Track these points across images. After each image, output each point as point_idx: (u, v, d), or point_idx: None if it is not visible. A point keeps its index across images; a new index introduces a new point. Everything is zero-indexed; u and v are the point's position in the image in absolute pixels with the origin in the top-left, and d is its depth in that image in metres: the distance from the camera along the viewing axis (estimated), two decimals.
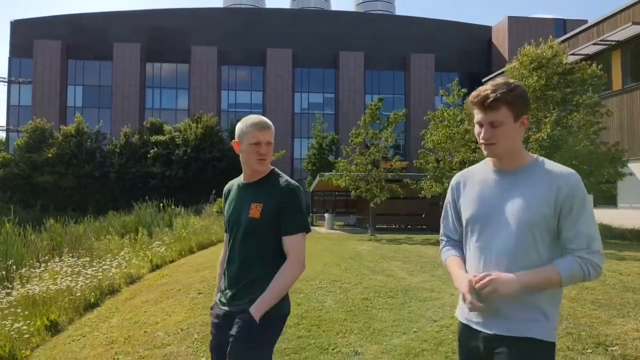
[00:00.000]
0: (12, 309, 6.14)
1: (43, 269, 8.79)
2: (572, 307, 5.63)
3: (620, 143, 15.70)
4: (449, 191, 2.17)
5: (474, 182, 2.04)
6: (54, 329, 6.06)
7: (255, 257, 2.36)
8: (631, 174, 16.56)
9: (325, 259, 10.36)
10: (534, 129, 13.47)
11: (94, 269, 8.35)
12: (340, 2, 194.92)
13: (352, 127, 21.26)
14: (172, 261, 11.19)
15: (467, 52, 52.50)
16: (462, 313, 2.03)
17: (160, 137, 40.75)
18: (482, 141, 1.93)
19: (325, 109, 51.71)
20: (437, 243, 14.49)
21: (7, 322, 5.54)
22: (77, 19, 51.20)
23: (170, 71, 52.33)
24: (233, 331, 2.28)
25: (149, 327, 5.65)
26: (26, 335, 5.45)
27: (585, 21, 41.63)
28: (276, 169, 2.52)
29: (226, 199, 2.62)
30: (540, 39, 14.96)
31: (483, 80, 24.13)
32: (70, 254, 10.17)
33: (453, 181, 2.16)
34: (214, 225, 16.81)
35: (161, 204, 19.08)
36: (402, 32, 53.40)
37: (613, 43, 19.20)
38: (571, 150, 12.87)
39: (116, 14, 52.60)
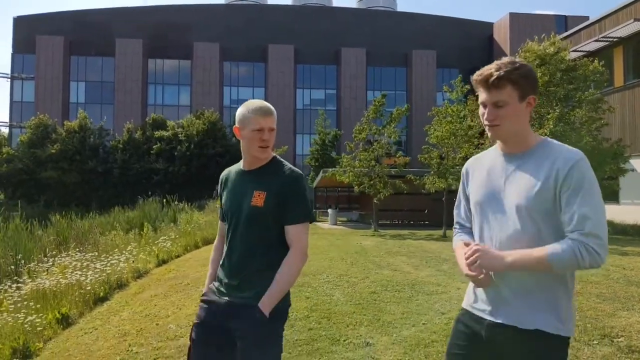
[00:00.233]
0: (25, 302, 6.22)
1: (51, 263, 8.90)
2: (577, 300, 5.70)
3: (622, 139, 15.75)
4: (461, 179, 2.14)
5: (482, 167, 1.98)
6: (65, 322, 6.12)
7: (258, 246, 2.26)
8: (633, 170, 16.63)
9: (330, 254, 10.46)
10: (536, 125, 13.51)
11: (102, 263, 8.44)
12: None
13: (354, 123, 21.32)
14: (178, 256, 11.30)
15: (468, 48, 52.51)
16: (468, 301, 1.99)
17: (163, 133, 40.86)
18: (485, 122, 1.84)
19: (327, 105, 51.82)
20: (440, 239, 14.68)
21: (20, 315, 5.62)
22: (79, 15, 51.28)
23: (172, 67, 52.43)
24: (243, 331, 2.19)
25: (160, 319, 5.72)
26: (39, 328, 5.52)
27: (587, 17, 41.73)
28: (278, 156, 2.40)
29: (224, 186, 2.48)
30: (543, 36, 14.98)
31: None
32: (77, 249, 10.29)
33: (464, 168, 2.12)
34: (218, 221, 16.85)
35: (165, 200, 19.18)
36: (403, 29, 53.44)
37: (615, 40, 19.21)
38: (574, 147, 12.89)
39: (118, 10, 52.67)
